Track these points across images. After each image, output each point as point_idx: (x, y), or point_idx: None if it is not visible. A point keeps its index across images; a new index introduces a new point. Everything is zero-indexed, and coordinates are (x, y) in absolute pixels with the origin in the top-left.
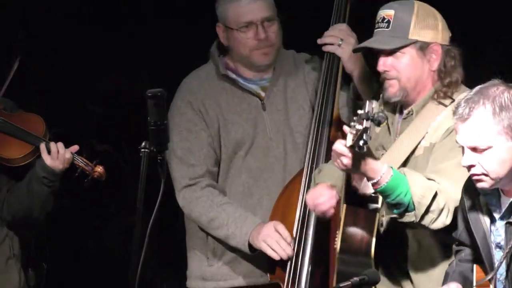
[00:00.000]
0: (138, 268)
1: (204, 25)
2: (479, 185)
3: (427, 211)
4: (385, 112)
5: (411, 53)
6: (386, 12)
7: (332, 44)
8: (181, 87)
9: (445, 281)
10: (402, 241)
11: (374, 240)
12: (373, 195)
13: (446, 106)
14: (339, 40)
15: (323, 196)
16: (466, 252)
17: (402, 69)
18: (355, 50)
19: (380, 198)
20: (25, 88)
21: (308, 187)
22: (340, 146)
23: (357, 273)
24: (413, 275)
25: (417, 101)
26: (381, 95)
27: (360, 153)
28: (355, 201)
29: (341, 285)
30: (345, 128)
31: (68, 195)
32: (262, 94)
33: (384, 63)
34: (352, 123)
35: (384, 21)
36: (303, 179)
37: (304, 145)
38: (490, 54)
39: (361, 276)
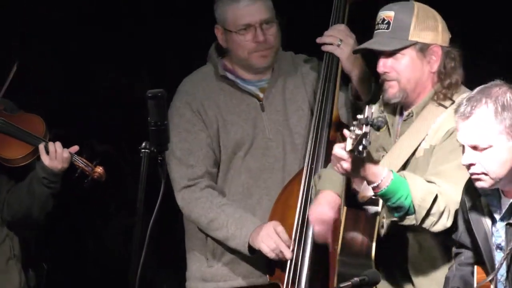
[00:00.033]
0: (138, 269)
1: (204, 25)
2: (478, 184)
3: (427, 214)
4: (385, 114)
5: (411, 54)
6: (386, 14)
7: (331, 44)
8: (180, 89)
9: (446, 286)
10: (403, 243)
11: (374, 242)
12: (373, 197)
13: (446, 107)
14: (338, 40)
15: (325, 220)
16: (466, 255)
17: (402, 70)
18: (355, 51)
19: (381, 200)
20: (25, 88)
21: (308, 189)
22: (340, 150)
23: (357, 275)
24: (414, 276)
25: (417, 103)
26: (381, 96)
27: (360, 158)
28: (355, 203)
29: (342, 285)
30: (345, 132)
31: (68, 195)
32: (261, 95)
33: (384, 65)
34: (352, 128)
35: (384, 23)
36: (303, 180)
37: (303, 146)
38: (490, 54)
39: (361, 276)
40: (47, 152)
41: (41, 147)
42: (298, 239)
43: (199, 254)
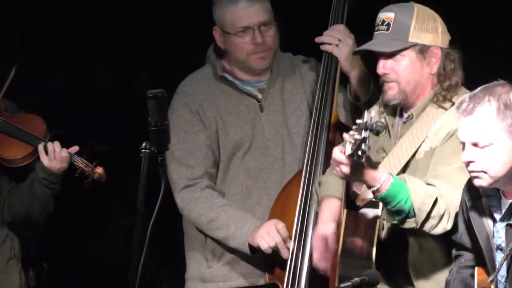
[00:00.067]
0: (139, 269)
1: (204, 25)
2: (477, 182)
3: (427, 217)
4: (385, 115)
5: (410, 56)
6: (386, 15)
7: (329, 44)
8: (178, 90)
9: None
10: (403, 245)
11: (375, 243)
12: (373, 199)
13: (446, 109)
14: (336, 40)
15: (327, 251)
16: (466, 257)
17: (402, 72)
18: (355, 53)
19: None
20: (25, 88)
21: (307, 189)
22: (339, 154)
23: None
24: (414, 278)
25: (416, 105)
26: (380, 97)
27: (359, 162)
28: (355, 206)
29: (342, 285)
30: (345, 136)
31: (68, 195)
32: (259, 96)
33: (383, 66)
34: (351, 132)
35: (384, 24)
36: (302, 180)
37: (302, 146)
38: (490, 54)
39: (361, 276)
40: (46, 152)
41: (40, 147)
42: (298, 238)
43: (199, 255)
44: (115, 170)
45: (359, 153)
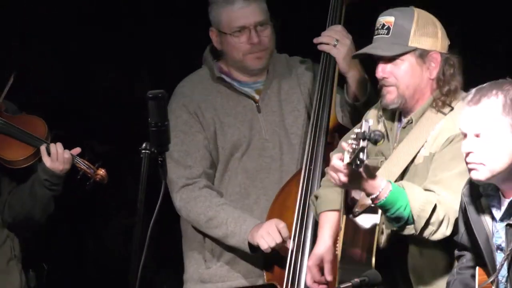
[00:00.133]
0: (139, 270)
1: (204, 25)
2: (474, 174)
3: (426, 223)
4: (383, 119)
5: (410, 60)
6: (386, 19)
7: (327, 44)
8: (176, 91)
9: None
10: (403, 250)
11: (374, 249)
12: (372, 205)
13: (445, 114)
14: (334, 40)
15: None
16: (467, 258)
17: (401, 76)
18: (354, 56)
19: None
20: (25, 88)
21: (306, 190)
22: (338, 162)
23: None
24: (415, 285)
25: (415, 109)
26: (379, 101)
27: (357, 170)
28: (354, 211)
29: (342, 286)
30: (343, 144)
31: (69, 195)
32: (257, 97)
33: (383, 70)
34: (350, 141)
35: (384, 28)
36: (301, 181)
37: (299, 146)
38: (490, 58)
39: (361, 277)
40: (49, 154)
41: (43, 148)
42: (297, 238)
43: (197, 256)
44: (115, 171)
45: (358, 162)
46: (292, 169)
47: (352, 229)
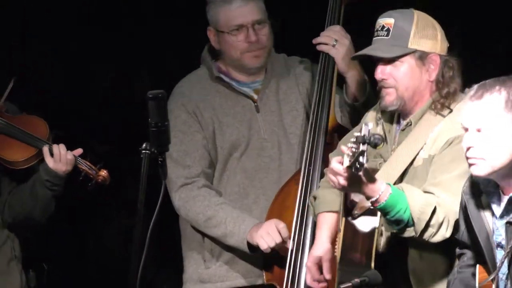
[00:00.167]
0: (139, 270)
1: (204, 25)
2: (474, 169)
3: (426, 226)
4: (382, 121)
5: (410, 62)
6: (386, 21)
7: (326, 44)
8: (174, 91)
9: None
10: (403, 253)
11: (373, 251)
12: (371, 207)
13: (444, 116)
14: (333, 40)
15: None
16: (468, 256)
17: (401, 78)
18: (353, 58)
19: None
20: (25, 88)
21: (306, 190)
22: (337, 165)
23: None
24: (415, 287)
25: (414, 111)
26: (377, 103)
27: (357, 174)
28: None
29: (342, 286)
30: (343, 148)
31: (69, 196)
32: (255, 96)
33: (382, 71)
34: (349, 144)
35: (384, 29)
36: (300, 181)
37: (298, 145)
38: (490, 59)
39: (361, 277)
40: (51, 155)
41: (46, 149)
42: (297, 239)
43: (197, 256)
44: (115, 171)
45: (357, 165)
46: (291, 169)
47: (351, 231)
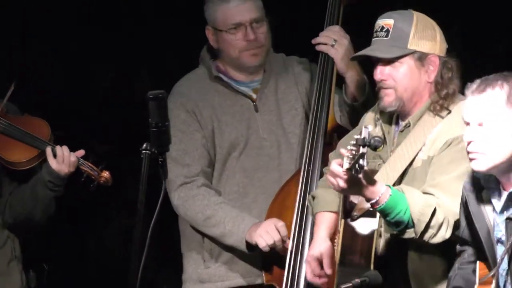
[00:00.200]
0: (139, 270)
1: (204, 25)
2: (474, 164)
3: (426, 227)
4: (380, 122)
5: (409, 63)
6: (385, 22)
7: (325, 44)
8: (174, 91)
9: (448, 286)
10: (403, 254)
11: (373, 252)
12: (370, 209)
13: (442, 117)
14: (332, 40)
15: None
16: (468, 253)
17: (400, 79)
18: (353, 58)
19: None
20: (25, 88)
21: (306, 190)
22: (337, 167)
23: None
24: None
25: (413, 112)
26: (376, 104)
27: (357, 176)
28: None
29: (343, 286)
30: (342, 151)
31: (69, 196)
32: (254, 96)
33: (381, 72)
34: (349, 147)
35: (383, 30)
36: (300, 181)
37: (298, 145)
38: (490, 59)
39: (362, 277)
40: (55, 156)
41: (49, 150)
42: (296, 239)
43: (196, 256)
44: (115, 171)
45: (357, 167)
46: (290, 168)
47: (350, 233)
